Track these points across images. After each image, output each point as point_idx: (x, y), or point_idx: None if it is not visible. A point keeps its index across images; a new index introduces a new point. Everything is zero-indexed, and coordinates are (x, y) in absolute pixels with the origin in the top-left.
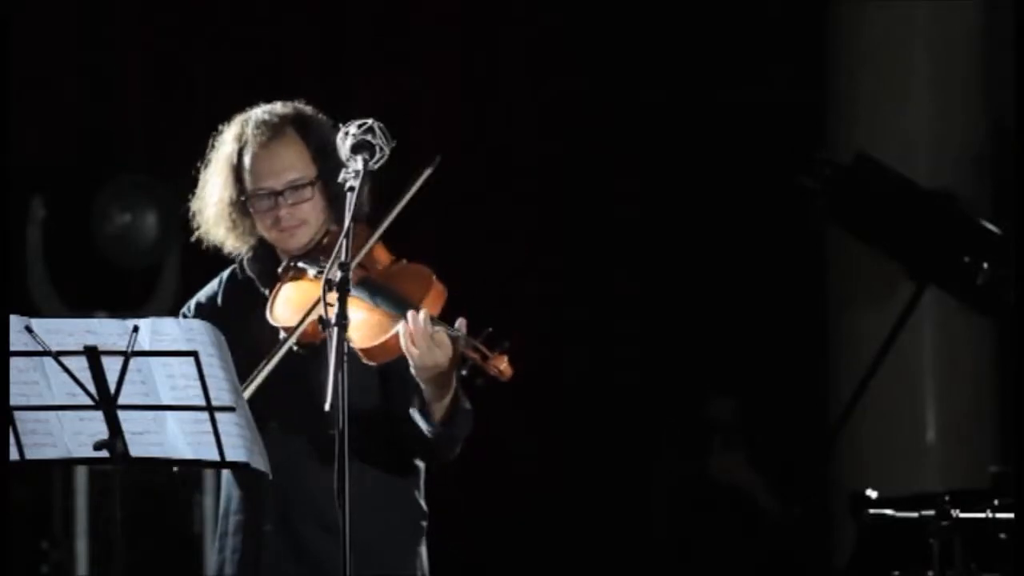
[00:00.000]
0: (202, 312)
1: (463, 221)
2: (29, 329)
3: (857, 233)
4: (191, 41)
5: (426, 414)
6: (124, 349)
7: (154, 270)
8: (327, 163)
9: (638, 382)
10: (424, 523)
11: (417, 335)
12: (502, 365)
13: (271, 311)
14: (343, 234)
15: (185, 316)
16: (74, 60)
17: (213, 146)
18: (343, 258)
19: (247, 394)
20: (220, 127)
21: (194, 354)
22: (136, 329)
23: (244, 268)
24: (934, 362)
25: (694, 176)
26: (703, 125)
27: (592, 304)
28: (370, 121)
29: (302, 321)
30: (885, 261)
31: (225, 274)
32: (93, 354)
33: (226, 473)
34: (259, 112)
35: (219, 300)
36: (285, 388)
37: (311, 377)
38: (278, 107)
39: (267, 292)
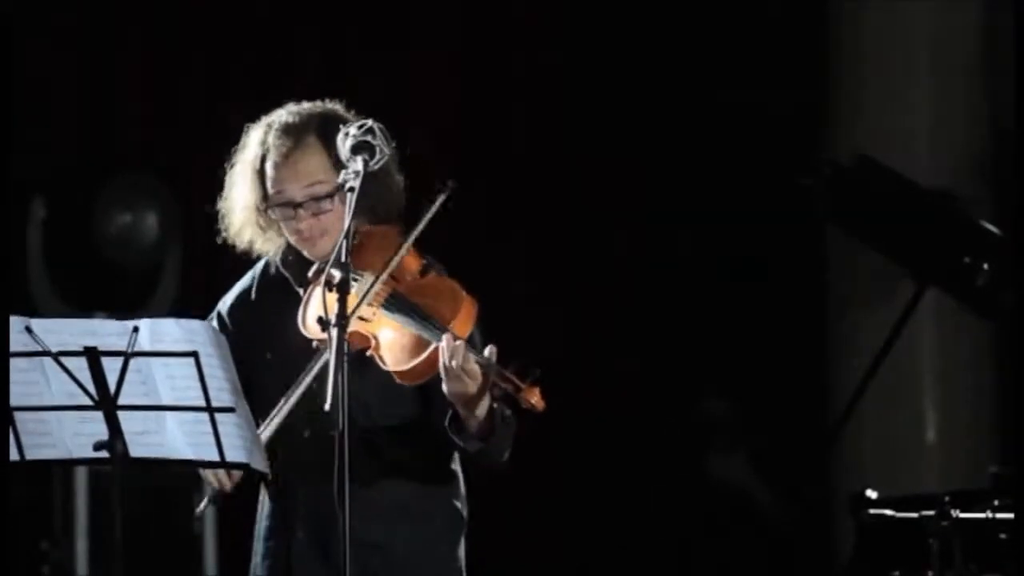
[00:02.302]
0: (236, 308)
1: (462, 220)
2: (29, 329)
3: (857, 233)
4: (191, 41)
5: (460, 429)
6: (124, 349)
7: (154, 270)
8: None
9: (637, 382)
10: (463, 531)
11: (448, 365)
12: (534, 399)
13: (303, 323)
14: (343, 235)
15: (219, 313)
16: (74, 60)
17: (241, 145)
18: (342, 259)
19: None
20: (247, 125)
21: (194, 354)
22: (136, 329)
23: (278, 266)
24: (934, 362)
25: (694, 176)
26: (703, 125)
27: (592, 304)
28: (370, 122)
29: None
30: (885, 261)
31: (258, 268)
32: (93, 354)
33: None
34: (284, 115)
35: (253, 294)
36: (318, 395)
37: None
38: (305, 109)
39: (301, 291)
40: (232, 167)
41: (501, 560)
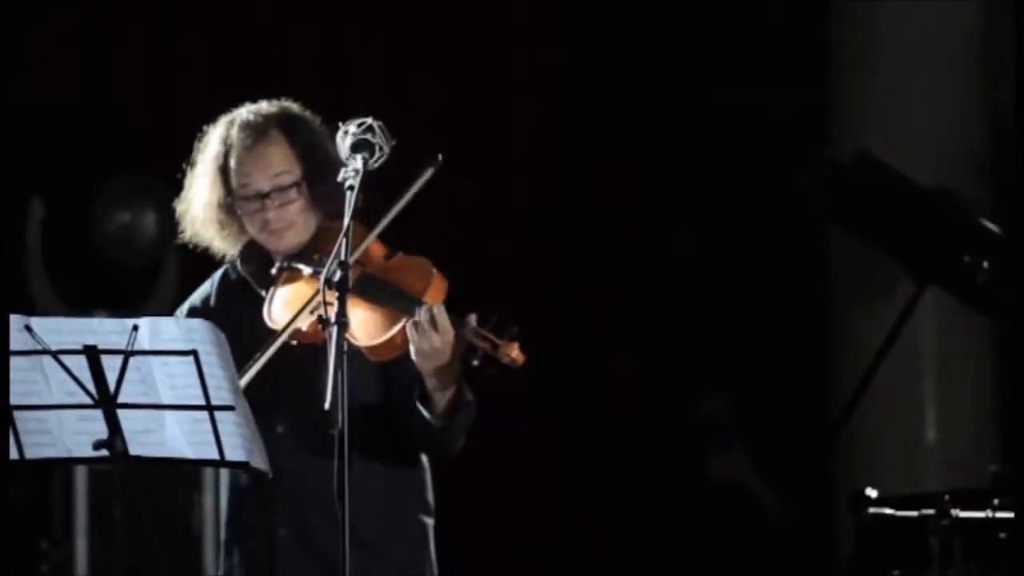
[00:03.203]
0: (196, 315)
1: (460, 218)
2: (29, 328)
3: (857, 232)
4: (191, 41)
5: (428, 405)
6: (124, 348)
7: (154, 269)
8: (314, 162)
9: (637, 382)
10: (432, 521)
11: (421, 322)
12: (514, 352)
13: (269, 315)
14: (343, 233)
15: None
16: (74, 60)
17: (198, 147)
18: (342, 257)
19: (242, 383)
20: (205, 127)
21: (193, 353)
22: (136, 328)
23: (237, 269)
24: (934, 362)
25: (694, 176)
26: (703, 125)
27: (591, 304)
28: (369, 120)
29: (297, 314)
30: (885, 261)
31: (217, 275)
32: (93, 353)
33: (229, 479)
34: (244, 113)
35: (212, 301)
36: (291, 391)
37: (317, 379)
38: (264, 107)
39: (263, 292)
40: (192, 167)
41: (501, 560)
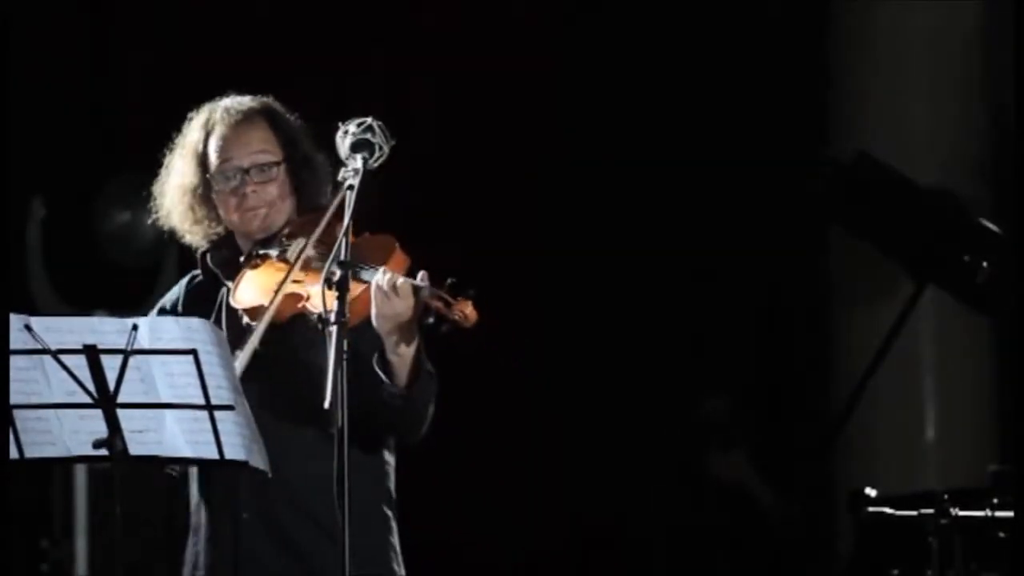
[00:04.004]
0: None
1: (458, 217)
2: (28, 327)
3: (857, 231)
4: (191, 40)
5: (388, 372)
6: (123, 347)
7: (153, 269)
8: (295, 152)
9: (637, 382)
10: (393, 512)
11: (381, 284)
12: (467, 310)
13: (234, 296)
14: (343, 232)
15: None
16: (74, 60)
17: (181, 132)
18: (343, 257)
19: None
20: (189, 115)
21: (193, 352)
22: (135, 327)
23: (207, 263)
24: (934, 362)
25: (694, 175)
26: (703, 125)
27: (591, 303)
28: (369, 119)
29: (277, 292)
30: (885, 261)
31: (185, 280)
32: (92, 352)
33: (192, 469)
34: (228, 100)
35: (180, 306)
36: (259, 376)
37: (285, 363)
38: (247, 98)
39: (230, 284)
40: (171, 151)
41: (500, 560)
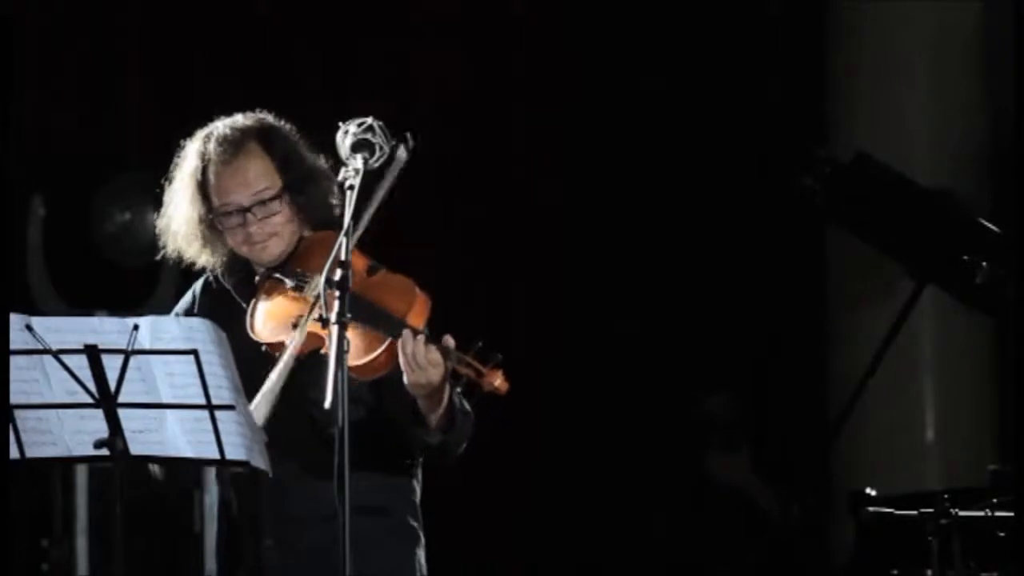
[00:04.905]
0: None
1: (457, 215)
2: (29, 328)
3: (857, 232)
4: (191, 40)
5: (422, 422)
6: (124, 347)
7: (154, 269)
8: (293, 173)
9: (636, 381)
10: (420, 528)
11: (410, 358)
12: (497, 381)
13: (252, 328)
14: (343, 232)
15: None
16: (74, 60)
17: (176, 163)
18: (342, 257)
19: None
20: (182, 142)
21: (194, 352)
22: (136, 327)
23: (220, 279)
24: (934, 362)
25: (694, 175)
26: (703, 124)
27: (591, 303)
28: (370, 120)
29: (297, 329)
30: (885, 261)
31: (198, 286)
32: (93, 352)
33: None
34: (221, 127)
35: (195, 312)
36: (278, 403)
37: (302, 392)
38: (239, 120)
39: (245, 304)
40: (170, 183)
41: (499, 561)
